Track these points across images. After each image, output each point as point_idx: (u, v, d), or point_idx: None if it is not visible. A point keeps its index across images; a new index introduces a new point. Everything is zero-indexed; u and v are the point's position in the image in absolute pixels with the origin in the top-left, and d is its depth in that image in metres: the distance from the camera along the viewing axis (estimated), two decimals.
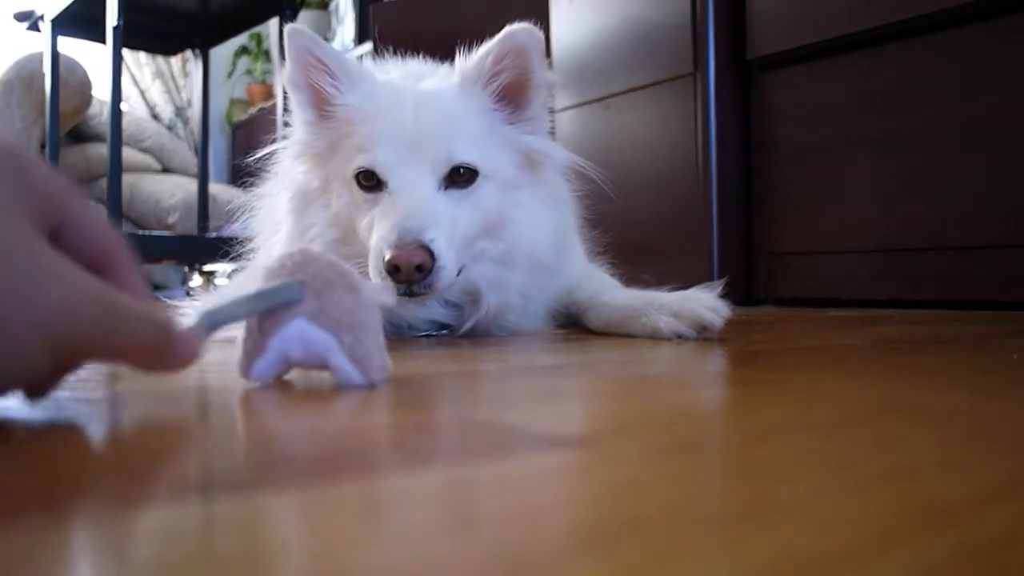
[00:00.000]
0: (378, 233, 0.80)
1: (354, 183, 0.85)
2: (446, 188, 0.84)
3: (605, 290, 0.99)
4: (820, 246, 1.62)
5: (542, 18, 2.07)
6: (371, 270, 0.80)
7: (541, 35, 0.88)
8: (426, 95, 0.87)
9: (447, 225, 0.81)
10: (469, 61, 0.89)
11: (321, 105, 0.88)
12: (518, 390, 0.52)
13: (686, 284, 0.89)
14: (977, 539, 0.22)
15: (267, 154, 0.96)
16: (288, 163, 0.92)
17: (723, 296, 0.85)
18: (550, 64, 2.04)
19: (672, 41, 1.80)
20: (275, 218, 0.94)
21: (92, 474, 0.30)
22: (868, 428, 0.38)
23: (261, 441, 0.37)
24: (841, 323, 1.15)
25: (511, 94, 0.89)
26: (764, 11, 1.68)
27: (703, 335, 0.83)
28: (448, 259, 0.79)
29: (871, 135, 1.52)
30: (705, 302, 0.84)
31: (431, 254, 0.76)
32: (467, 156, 0.84)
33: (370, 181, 0.84)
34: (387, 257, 0.77)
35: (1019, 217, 1.32)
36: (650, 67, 1.86)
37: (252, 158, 0.97)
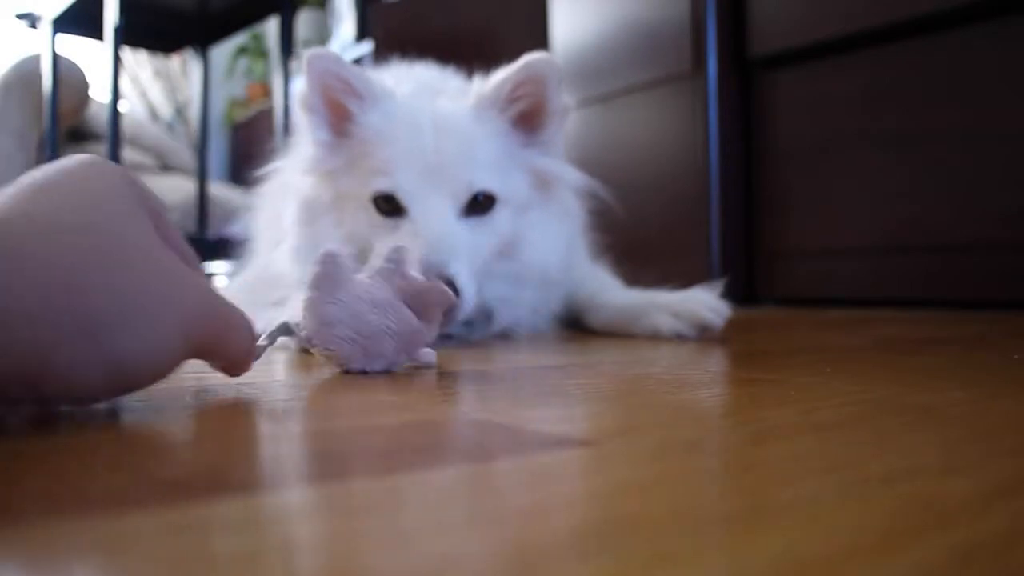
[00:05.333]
0: None
1: (371, 206, 0.84)
2: (465, 216, 0.84)
3: (606, 290, 0.99)
4: (821, 246, 1.62)
5: (542, 18, 2.07)
6: None
7: (559, 64, 0.88)
8: (444, 118, 0.86)
9: (468, 255, 0.81)
10: (486, 85, 0.88)
11: (339, 124, 0.87)
12: (520, 390, 0.52)
13: (686, 284, 0.90)
14: (977, 539, 0.22)
15: (272, 171, 0.95)
16: (296, 177, 0.91)
17: (723, 296, 0.85)
18: None
19: (672, 41, 1.80)
20: (279, 225, 0.93)
21: (93, 473, 0.30)
22: (868, 428, 0.38)
23: (265, 441, 0.37)
24: (841, 323, 1.15)
25: (527, 119, 0.89)
26: (765, 10, 1.68)
27: (703, 335, 0.83)
28: (469, 291, 0.79)
29: (872, 134, 1.52)
30: (706, 302, 0.84)
31: (454, 288, 0.75)
32: (487, 183, 0.84)
33: (389, 205, 0.83)
34: None
35: (1019, 217, 1.32)
36: (650, 67, 1.85)
37: (258, 172, 0.96)
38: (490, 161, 0.85)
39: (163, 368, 0.38)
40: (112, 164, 0.38)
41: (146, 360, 0.36)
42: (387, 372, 0.58)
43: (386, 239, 0.82)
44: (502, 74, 0.87)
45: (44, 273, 0.32)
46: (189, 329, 0.37)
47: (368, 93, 0.85)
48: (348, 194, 0.87)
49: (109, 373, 0.34)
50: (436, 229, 0.80)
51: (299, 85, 0.88)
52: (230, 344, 0.42)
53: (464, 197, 0.83)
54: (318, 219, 0.89)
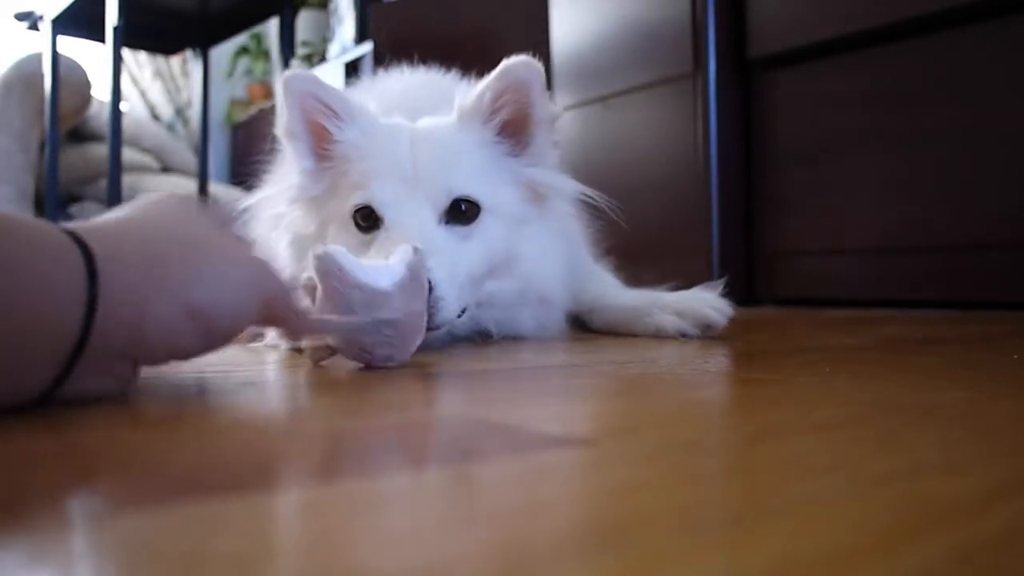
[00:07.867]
0: None
1: (351, 224, 0.81)
2: (448, 223, 0.81)
3: (608, 291, 0.98)
4: (820, 246, 1.62)
5: (542, 18, 2.07)
6: None
7: (541, 67, 0.84)
8: (424, 131, 0.84)
9: (447, 258, 0.76)
10: (467, 97, 0.85)
11: (320, 146, 0.85)
12: (522, 389, 0.52)
13: (687, 284, 0.90)
14: (977, 539, 0.22)
15: (260, 200, 0.93)
16: (284, 207, 0.88)
17: (724, 296, 0.85)
18: (550, 65, 2.03)
19: (672, 41, 1.80)
20: (277, 254, 0.90)
21: (95, 473, 0.30)
22: (868, 428, 0.38)
23: (263, 441, 0.37)
24: (841, 323, 1.15)
25: (513, 129, 0.86)
26: (765, 10, 1.68)
27: (707, 334, 0.83)
28: (448, 292, 0.74)
29: (871, 135, 1.52)
30: (708, 301, 0.84)
31: (428, 283, 0.69)
32: (467, 189, 0.81)
33: (367, 221, 0.80)
34: None
35: (1019, 217, 1.32)
36: (650, 67, 1.85)
37: (249, 202, 0.93)
38: (473, 169, 0.83)
39: (240, 318, 0.47)
40: (182, 194, 0.52)
41: (222, 311, 0.45)
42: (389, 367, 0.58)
43: (363, 256, 0.76)
44: (483, 84, 0.85)
45: (139, 253, 0.43)
46: (260, 288, 0.48)
47: (345, 112, 0.83)
48: (331, 218, 0.84)
49: (195, 322, 0.43)
50: (411, 232, 0.76)
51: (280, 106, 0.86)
52: (290, 305, 0.51)
53: (443, 203, 0.80)
54: (307, 253, 0.86)
